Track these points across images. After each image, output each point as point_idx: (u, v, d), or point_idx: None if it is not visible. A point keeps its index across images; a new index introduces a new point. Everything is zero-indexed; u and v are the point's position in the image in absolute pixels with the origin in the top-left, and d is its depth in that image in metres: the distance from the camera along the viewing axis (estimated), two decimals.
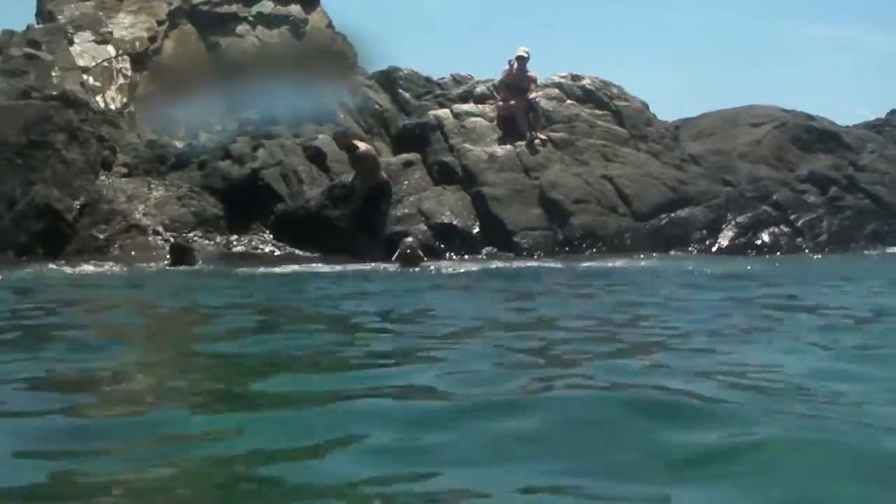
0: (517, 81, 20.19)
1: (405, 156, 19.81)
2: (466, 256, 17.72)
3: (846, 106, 60.87)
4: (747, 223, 19.75)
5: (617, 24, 74.80)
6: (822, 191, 20.93)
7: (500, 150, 19.46)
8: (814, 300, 9.34)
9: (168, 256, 17.07)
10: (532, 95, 20.00)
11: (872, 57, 64.42)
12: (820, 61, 64.24)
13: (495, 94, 20.85)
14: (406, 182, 19.06)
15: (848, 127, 23.91)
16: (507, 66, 20.38)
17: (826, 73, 62.01)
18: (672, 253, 18.57)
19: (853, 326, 7.21)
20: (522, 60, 20.22)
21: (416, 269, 15.06)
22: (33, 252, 18.74)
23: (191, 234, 19.15)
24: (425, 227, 18.23)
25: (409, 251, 15.51)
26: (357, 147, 17.67)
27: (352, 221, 17.52)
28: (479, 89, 21.25)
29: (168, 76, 23.73)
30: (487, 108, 20.36)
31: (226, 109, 22.27)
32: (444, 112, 20.45)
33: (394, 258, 15.69)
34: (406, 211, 18.32)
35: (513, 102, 19.90)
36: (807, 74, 59.53)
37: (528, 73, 20.37)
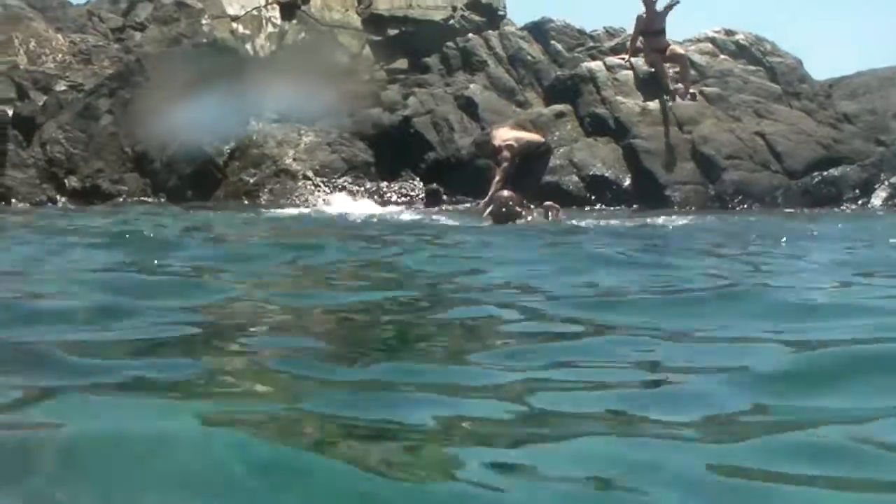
0: (648, 25, 19.95)
1: (557, 107, 19.78)
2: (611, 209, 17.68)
3: None
4: None
5: None
6: None
7: (652, 103, 19.34)
8: None
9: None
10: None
11: None
12: None
13: (628, 47, 20.63)
14: (557, 133, 19.03)
15: None
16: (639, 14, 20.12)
17: None
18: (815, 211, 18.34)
19: None
20: (649, 5, 19.92)
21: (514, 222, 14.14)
22: (183, 195, 19.11)
23: (340, 180, 19.34)
24: (577, 178, 18.25)
25: (503, 209, 14.03)
26: (501, 150, 17.12)
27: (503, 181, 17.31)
28: None
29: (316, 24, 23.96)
30: (640, 62, 20.14)
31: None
32: (596, 64, 20.35)
33: (485, 214, 14.46)
34: (558, 162, 18.25)
35: (662, 63, 19.81)
36: None
37: (660, 15, 20.05)
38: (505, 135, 17.45)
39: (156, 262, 7.61)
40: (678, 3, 19.93)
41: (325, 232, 11.92)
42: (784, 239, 10.38)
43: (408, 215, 15.40)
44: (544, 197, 17.32)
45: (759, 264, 7.84)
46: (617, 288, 6.06)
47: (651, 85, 19.75)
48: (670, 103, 19.34)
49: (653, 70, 19.84)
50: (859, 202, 18.95)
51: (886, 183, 19.35)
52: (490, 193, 16.52)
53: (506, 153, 16.68)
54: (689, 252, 9.12)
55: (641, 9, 19.88)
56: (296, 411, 3.05)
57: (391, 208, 17.28)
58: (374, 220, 14.28)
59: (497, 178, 16.64)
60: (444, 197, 18.56)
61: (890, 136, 20.20)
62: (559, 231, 12.33)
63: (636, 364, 3.86)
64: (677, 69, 19.95)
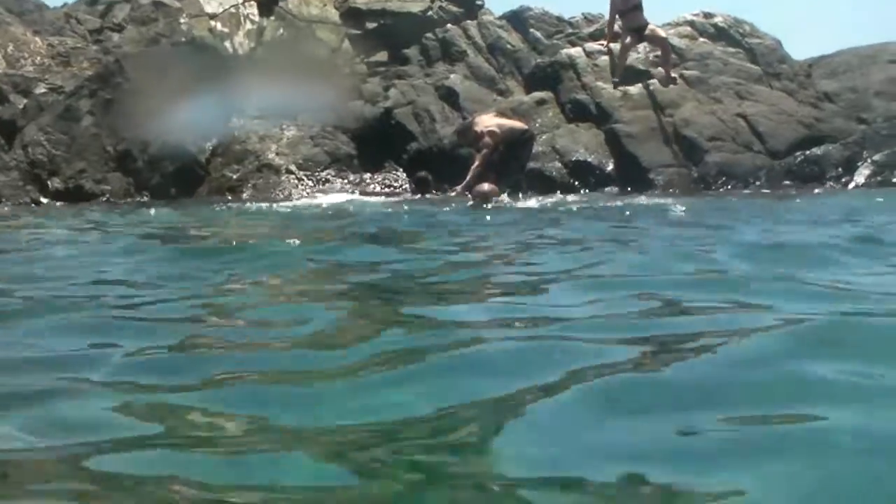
0: (623, 3, 19.60)
1: (538, 94, 19.80)
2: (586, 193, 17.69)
3: None
4: (884, 161, 19.40)
5: None
6: None
7: (633, 87, 19.34)
8: None
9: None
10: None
11: None
12: None
13: (606, 32, 20.41)
14: (539, 120, 19.05)
15: None
16: None
17: None
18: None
19: None
20: None
21: (489, 206, 14.90)
22: (166, 193, 19.09)
23: (324, 173, 19.32)
24: (560, 165, 18.25)
25: (484, 203, 15.31)
26: (483, 137, 17.23)
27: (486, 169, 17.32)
28: None
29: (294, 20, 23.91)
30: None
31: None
32: (576, 51, 20.38)
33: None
34: (540, 149, 18.29)
35: (628, 40, 19.60)
36: None
37: None
38: (487, 122, 17.52)
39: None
40: None
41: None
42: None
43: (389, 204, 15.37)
44: (529, 184, 17.43)
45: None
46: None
47: (630, 69, 19.74)
48: (653, 87, 19.32)
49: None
50: (842, 180, 18.98)
51: (869, 161, 19.38)
52: (467, 179, 16.63)
53: (487, 139, 16.76)
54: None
55: None
56: None
57: (375, 198, 17.27)
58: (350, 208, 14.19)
59: (476, 163, 16.73)
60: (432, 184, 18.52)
61: (871, 113, 20.24)
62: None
63: None
64: (658, 53, 19.89)
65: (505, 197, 15.34)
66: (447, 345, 3.58)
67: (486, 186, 15.85)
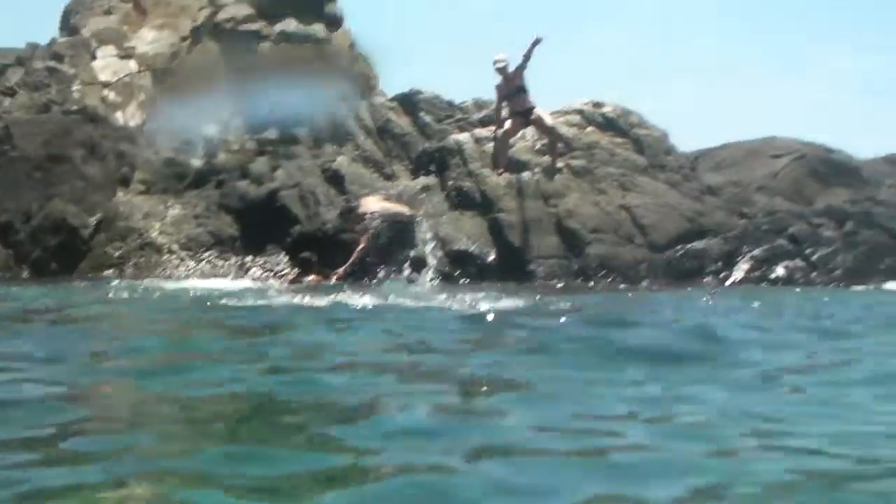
0: (508, 87, 19.28)
1: (423, 180, 19.84)
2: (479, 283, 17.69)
3: (866, 137, 60.35)
4: (763, 256, 19.71)
5: (640, 49, 74.26)
6: (838, 225, 20.84)
7: (518, 176, 19.37)
8: None
9: None
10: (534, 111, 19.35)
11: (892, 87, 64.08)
12: (841, 91, 63.75)
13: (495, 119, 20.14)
14: (424, 206, 19.04)
15: (866, 160, 23.82)
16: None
17: (846, 103, 61.59)
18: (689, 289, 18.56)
19: None
20: (502, 71, 19.23)
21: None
22: (47, 268, 18.86)
23: (206, 254, 19.19)
24: (441, 253, 18.23)
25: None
26: (365, 218, 17.52)
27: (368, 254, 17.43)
28: None
29: (188, 92, 23.79)
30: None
31: (245, 128, 22.27)
32: (464, 136, 20.44)
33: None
34: (423, 236, 18.29)
35: (508, 125, 19.34)
36: (828, 104, 59.17)
37: (514, 74, 19.19)
38: (372, 205, 17.62)
39: None
40: (539, 40, 19.29)
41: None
42: None
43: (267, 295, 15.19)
44: (411, 271, 17.45)
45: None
46: None
47: (515, 159, 19.81)
48: (538, 177, 19.39)
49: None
50: (721, 275, 19.19)
51: (749, 255, 19.63)
52: (351, 260, 16.72)
53: (369, 222, 16.95)
54: None
55: (498, 78, 19.42)
56: None
57: (246, 284, 17.06)
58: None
59: (361, 245, 16.82)
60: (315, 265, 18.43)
61: (753, 208, 20.55)
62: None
63: None
64: (545, 141, 19.89)
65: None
66: None
67: (311, 278, 16.65)
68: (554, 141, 19.75)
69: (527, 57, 18.95)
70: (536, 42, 18.82)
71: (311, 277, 17.03)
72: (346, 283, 16.18)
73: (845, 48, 72.30)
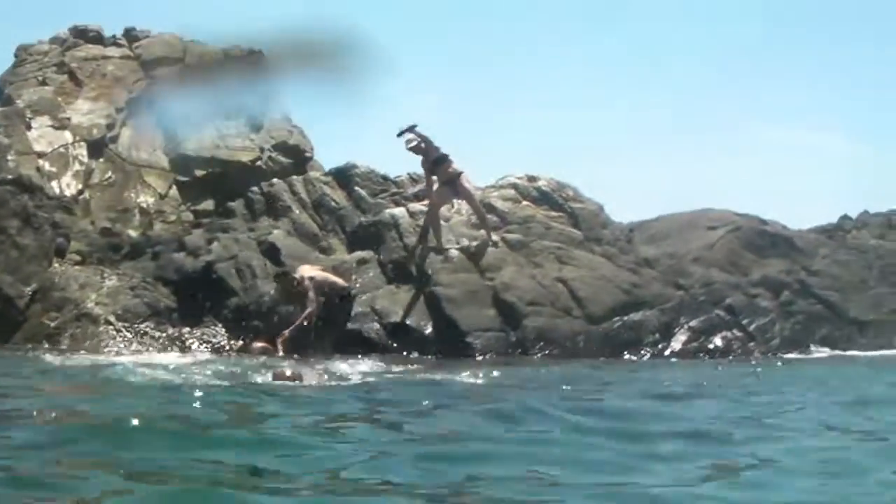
0: (430, 159, 19.63)
1: (359, 253, 19.80)
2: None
3: (800, 208, 60.93)
4: (700, 327, 19.79)
5: (576, 121, 74.80)
6: (774, 295, 20.99)
7: (454, 250, 19.41)
8: None
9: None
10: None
11: (827, 160, 64.91)
12: (775, 163, 64.45)
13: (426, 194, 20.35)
14: (360, 280, 19.03)
15: (800, 231, 24.08)
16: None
17: (781, 174, 62.21)
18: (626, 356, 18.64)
19: None
20: (416, 150, 19.66)
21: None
22: None
23: (143, 325, 19.03)
24: (378, 326, 18.19)
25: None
26: (303, 282, 17.67)
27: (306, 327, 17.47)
28: None
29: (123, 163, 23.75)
30: (444, 210, 20.19)
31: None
32: (399, 210, 20.46)
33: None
34: (359, 309, 18.29)
35: (435, 193, 19.59)
36: (762, 175, 59.68)
37: (427, 147, 19.59)
38: (308, 271, 17.71)
39: None
40: (415, 125, 19.64)
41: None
42: None
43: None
44: (348, 344, 17.47)
45: None
46: None
47: (452, 231, 19.89)
48: (474, 250, 19.44)
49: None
50: (659, 346, 19.26)
51: (686, 326, 19.73)
52: (296, 324, 16.88)
53: (307, 283, 17.17)
54: None
55: (419, 157, 19.78)
56: None
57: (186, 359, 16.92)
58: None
59: (308, 309, 16.97)
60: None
61: (689, 279, 20.65)
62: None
63: None
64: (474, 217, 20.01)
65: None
66: None
67: (259, 345, 17.16)
68: (479, 210, 19.83)
69: (417, 135, 19.54)
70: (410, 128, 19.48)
71: (259, 345, 17.13)
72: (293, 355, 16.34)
73: (778, 121, 72.88)
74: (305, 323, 17.25)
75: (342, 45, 23.91)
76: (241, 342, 18.33)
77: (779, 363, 18.52)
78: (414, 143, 19.49)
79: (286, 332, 17.14)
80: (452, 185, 19.46)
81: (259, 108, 24.90)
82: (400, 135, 19.49)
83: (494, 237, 19.76)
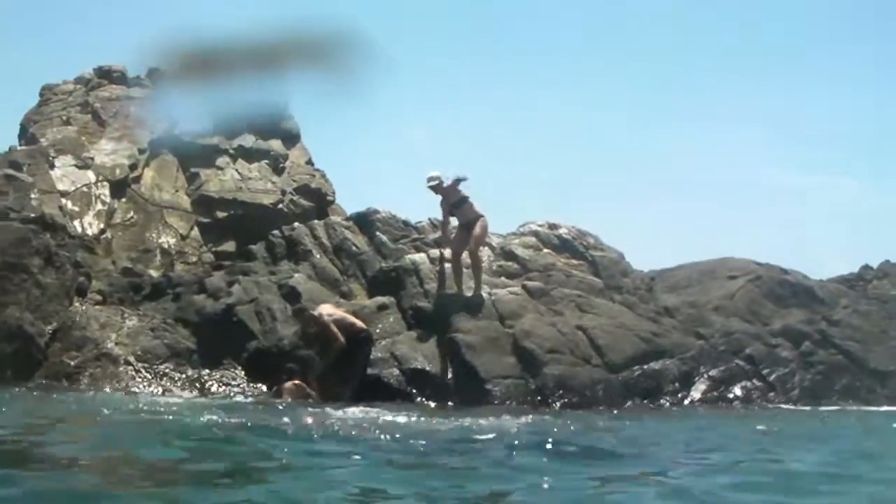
0: (448, 200, 19.72)
1: (380, 299, 19.80)
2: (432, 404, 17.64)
3: (821, 258, 60.74)
4: (720, 377, 19.76)
5: (599, 170, 74.87)
6: (794, 345, 20.97)
7: (474, 297, 19.36)
8: None
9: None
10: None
11: (848, 210, 64.82)
12: (795, 211, 64.37)
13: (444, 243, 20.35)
14: (380, 326, 19.02)
15: (821, 281, 24.06)
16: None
17: (802, 223, 62.12)
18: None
19: None
20: (436, 189, 19.69)
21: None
22: (2, 375, 18.67)
23: (162, 367, 19.07)
24: (398, 372, 18.17)
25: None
26: (321, 319, 17.67)
27: (325, 371, 17.48)
28: None
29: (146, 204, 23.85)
30: (465, 255, 20.16)
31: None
32: (420, 256, 20.49)
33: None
34: (379, 355, 18.25)
35: (454, 241, 19.59)
36: (782, 224, 59.63)
37: (449, 188, 19.62)
38: (329, 309, 17.72)
39: None
40: (465, 178, 19.72)
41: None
42: None
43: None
44: (365, 389, 17.44)
45: None
46: None
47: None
48: (495, 298, 19.41)
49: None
50: (679, 395, 19.20)
51: (706, 376, 19.68)
52: (324, 362, 16.97)
53: (326, 319, 17.22)
54: None
55: (439, 197, 19.79)
56: None
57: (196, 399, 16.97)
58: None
59: (336, 346, 17.01)
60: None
61: (709, 329, 20.63)
62: None
63: None
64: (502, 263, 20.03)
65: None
66: None
67: (289, 385, 17.11)
68: (476, 260, 19.61)
69: (458, 181, 19.55)
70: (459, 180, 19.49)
71: (290, 385, 17.10)
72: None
73: (798, 170, 72.91)
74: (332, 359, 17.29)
75: (342, 44, 23.73)
76: (268, 385, 18.30)
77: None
78: (435, 182, 19.50)
79: (316, 372, 17.19)
80: (469, 229, 19.46)
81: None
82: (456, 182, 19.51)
83: (516, 287, 19.71)
